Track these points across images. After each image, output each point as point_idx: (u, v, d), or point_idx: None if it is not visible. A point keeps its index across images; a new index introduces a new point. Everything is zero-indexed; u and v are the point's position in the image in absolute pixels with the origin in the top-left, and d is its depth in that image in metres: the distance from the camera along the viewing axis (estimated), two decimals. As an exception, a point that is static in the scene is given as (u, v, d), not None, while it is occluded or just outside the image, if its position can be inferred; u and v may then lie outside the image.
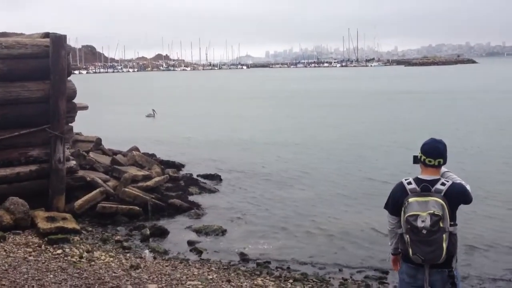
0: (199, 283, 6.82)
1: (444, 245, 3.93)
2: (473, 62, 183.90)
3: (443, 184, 4.04)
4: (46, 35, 9.80)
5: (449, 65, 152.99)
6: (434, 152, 4.15)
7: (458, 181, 4.14)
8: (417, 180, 4.12)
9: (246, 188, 12.99)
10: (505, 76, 71.60)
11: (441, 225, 3.90)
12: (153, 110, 31.44)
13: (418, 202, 3.96)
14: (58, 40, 9.51)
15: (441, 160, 4.17)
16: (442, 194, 3.98)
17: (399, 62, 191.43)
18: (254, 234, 9.52)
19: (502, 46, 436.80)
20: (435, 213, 3.89)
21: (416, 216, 3.92)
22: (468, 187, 4.13)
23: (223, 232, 9.57)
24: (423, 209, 3.92)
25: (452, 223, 3.99)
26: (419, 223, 3.90)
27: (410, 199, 4.00)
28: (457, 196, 4.05)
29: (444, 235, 3.92)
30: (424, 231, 3.89)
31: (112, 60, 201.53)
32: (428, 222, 3.88)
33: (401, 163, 14.04)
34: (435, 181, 4.07)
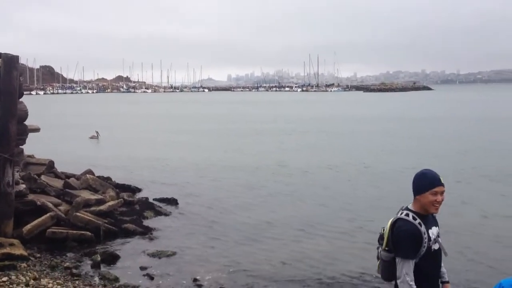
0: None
1: None
2: (429, 89, 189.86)
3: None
4: (-2, 55, 9.56)
5: (406, 92, 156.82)
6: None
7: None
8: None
9: (201, 213, 12.87)
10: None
11: None
12: (97, 132, 30.68)
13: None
14: (10, 61, 9.30)
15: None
16: None
17: (358, 88, 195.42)
18: (209, 259, 9.40)
19: (456, 74, 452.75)
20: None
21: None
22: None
23: (177, 257, 9.43)
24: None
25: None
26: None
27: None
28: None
29: None
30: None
31: (71, 81, 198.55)
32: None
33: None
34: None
